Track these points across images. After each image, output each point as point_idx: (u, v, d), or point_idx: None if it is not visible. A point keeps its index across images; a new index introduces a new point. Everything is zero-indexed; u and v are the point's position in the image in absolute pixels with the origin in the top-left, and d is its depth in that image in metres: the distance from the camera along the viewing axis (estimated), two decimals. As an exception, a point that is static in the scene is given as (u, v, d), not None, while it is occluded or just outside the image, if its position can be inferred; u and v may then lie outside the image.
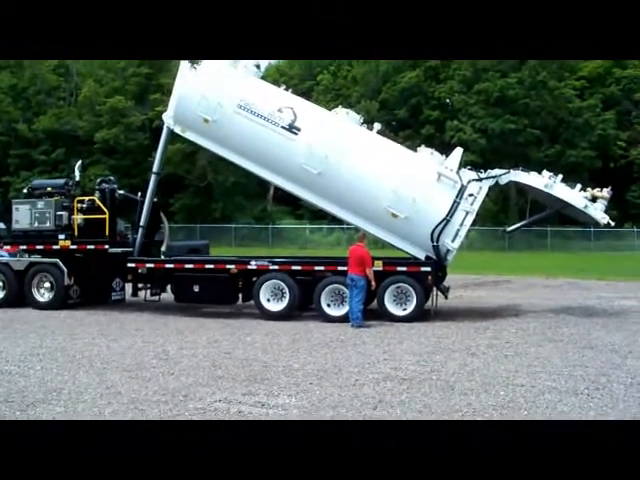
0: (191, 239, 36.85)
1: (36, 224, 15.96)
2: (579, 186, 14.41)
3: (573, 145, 47.71)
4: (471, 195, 13.90)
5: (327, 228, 44.81)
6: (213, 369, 9.39)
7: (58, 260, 15.66)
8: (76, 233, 15.74)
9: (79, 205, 15.80)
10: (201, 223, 45.26)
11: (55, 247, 15.84)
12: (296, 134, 14.28)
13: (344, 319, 13.59)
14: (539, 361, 9.97)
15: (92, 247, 15.70)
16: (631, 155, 48.95)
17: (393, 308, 13.94)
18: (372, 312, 14.10)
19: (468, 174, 14.20)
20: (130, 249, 15.72)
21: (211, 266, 15.03)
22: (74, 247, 15.79)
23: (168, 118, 15.28)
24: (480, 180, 14.15)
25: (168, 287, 15.94)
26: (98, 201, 15.77)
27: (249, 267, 14.74)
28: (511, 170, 14.64)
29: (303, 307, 14.78)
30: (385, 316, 13.89)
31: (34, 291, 15.91)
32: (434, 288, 14.37)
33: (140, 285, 16.18)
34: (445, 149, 15.53)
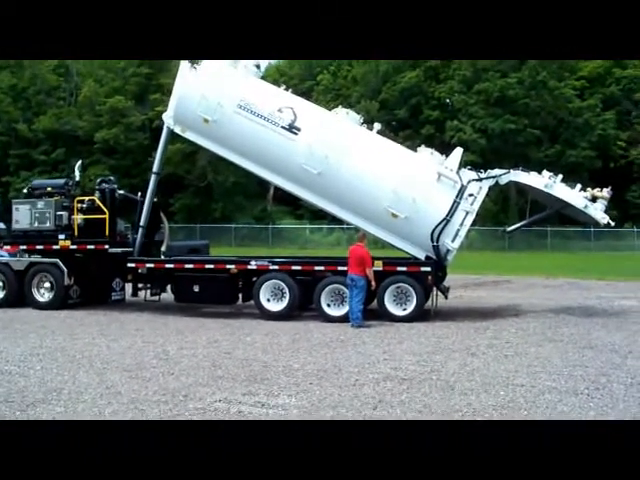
0: (191, 239, 36.86)
1: (36, 224, 15.96)
2: (579, 186, 14.42)
3: (573, 145, 47.72)
4: (471, 195, 13.90)
5: (327, 228, 44.81)
6: (213, 369, 9.39)
7: (58, 260, 15.66)
8: (76, 233, 15.74)
9: (79, 205, 15.80)
10: (201, 223, 45.27)
11: (55, 247, 15.84)
12: (296, 134, 14.28)
13: (344, 319, 13.59)
14: (539, 361, 9.97)
15: (92, 247, 15.70)
16: (631, 155, 48.95)
17: (393, 308, 13.94)
18: (372, 312, 14.10)
19: (468, 174, 14.20)
20: (130, 249, 15.72)
21: (211, 266, 15.03)
22: (74, 247, 15.79)
23: (168, 118, 15.29)
24: (480, 180, 14.15)
25: (168, 287, 15.95)
26: (98, 201, 15.77)
27: (249, 267, 14.74)
28: (511, 170, 14.64)
29: (303, 307, 14.78)
30: (385, 316, 13.89)
31: (34, 291, 15.92)
32: (434, 288, 14.37)
33: (140, 285, 16.19)
34: (445, 149, 15.53)
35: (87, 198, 15.98)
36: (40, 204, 16.00)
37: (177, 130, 15.29)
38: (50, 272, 15.78)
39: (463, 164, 14.62)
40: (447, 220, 13.77)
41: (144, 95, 52.79)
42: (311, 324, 13.64)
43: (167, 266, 15.37)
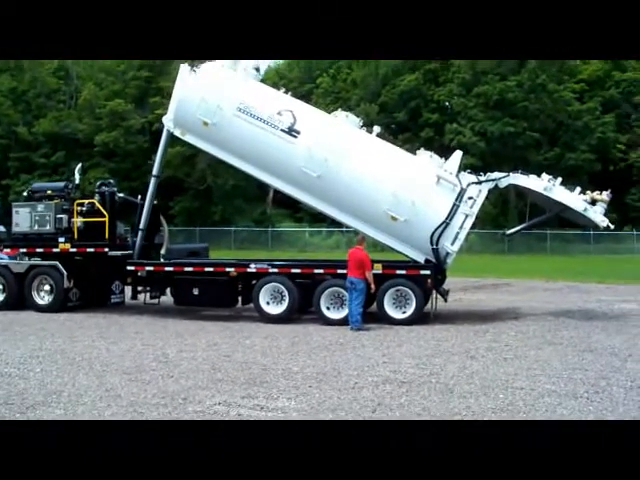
0: (191, 242, 36.85)
1: (36, 227, 15.98)
2: (578, 189, 14.43)
3: (572, 148, 47.71)
4: (470, 198, 13.92)
5: (326, 231, 44.78)
6: (212, 372, 9.39)
7: (58, 263, 15.68)
8: (76, 236, 15.76)
9: (79, 208, 15.82)
10: (201, 226, 45.26)
11: (55, 250, 15.86)
12: (296, 137, 14.30)
13: (343, 322, 13.60)
14: (539, 364, 9.97)
15: (92, 250, 15.72)
16: (630, 158, 48.94)
17: (392, 311, 13.94)
18: (371, 315, 14.10)
19: (467, 177, 14.22)
20: (130, 252, 15.73)
21: (211, 269, 15.04)
22: (74, 250, 15.80)
23: (168, 121, 15.30)
24: (479, 183, 14.17)
25: (168, 290, 15.96)
26: (98, 204, 15.79)
27: (248, 270, 14.75)
28: (510, 173, 14.65)
29: (302, 310, 14.79)
30: (384, 319, 13.89)
31: (34, 294, 15.93)
32: (433, 291, 14.37)
33: (140, 288, 16.19)
34: (444, 152, 15.55)
35: (87, 201, 16.00)
36: (40, 207, 16.02)
37: (177, 133, 15.31)
38: (50, 275, 15.79)
39: (462, 167, 14.64)
40: (446, 223, 13.79)
41: (144, 98, 52.82)
42: (310, 327, 13.64)
43: (167, 269, 15.37)
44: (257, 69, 15.72)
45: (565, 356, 10.61)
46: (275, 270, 14.57)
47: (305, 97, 35.82)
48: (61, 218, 15.80)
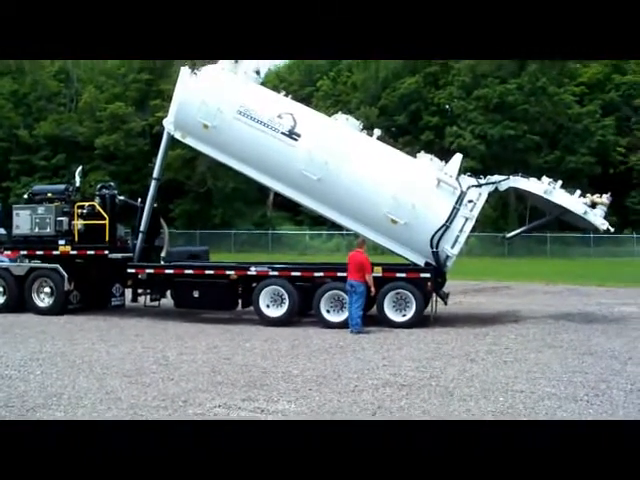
0: (191, 245, 36.82)
1: (36, 229, 15.98)
2: (578, 192, 14.44)
3: (572, 151, 47.74)
4: (470, 201, 13.93)
5: (327, 234, 44.81)
6: (212, 375, 9.40)
7: (58, 265, 15.67)
8: (76, 239, 15.76)
9: (79, 211, 15.83)
10: (201, 229, 45.27)
11: (55, 252, 15.86)
12: (296, 140, 14.31)
13: (343, 325, 13.60)
14: (538, 367, 9.98)
15: (92, 252, 15.72)
16: (630, 161, 48.97)
17: (392, 314, 13.94)
18: (371, 318, 14.11)
19: (467, 180, 14.23)
20: (130, 255, 15.75)
21: (211, 272, 15.05)
22: (74, 252, 15.81)
23: (168, 124, 15.33)
24: (479, 186, 14.17)
25: (168, 293, 15.95)
26: (98, 207, 15.80)
27: (249, 273, 14.75)
28: (510, 176, 14.66)
29: (302, 313, 14.79)
30: (384, 322, 13.89)
31: (34, 296, 15.93)
32: (433, 294, 14.38)
33: (140, 291, 16.20)
34: (444, 155, 15.57)
35: (87, 204, 16.02)
36: (40, 210, 16.02)
37: (177, 136, 15.33)
38: (50, 277, 15.79)
39: (462, 170, 14.65)
40: (446, 226, 13.79)
41: (144, 101, 52.89)
42: (310, 330, 13.64)
43: (167, 272, 15.39)
44: (257, 72, 15.78)
45: (565, 359, 10.61)
46: (275, 273, 14.58)
47: (305, 100, 35.85)
48: (61, 221, 15.81)
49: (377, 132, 15.15)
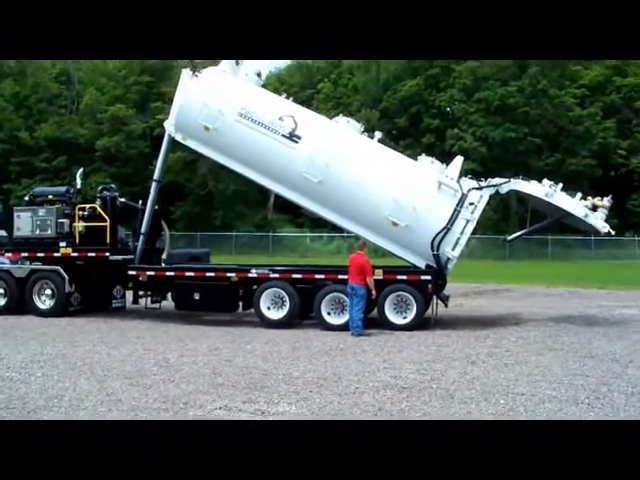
0: (192, 247, 36.83)
1: (37, 231, 16.00)
2: (579, 195, 14.44)
3: (573, 154, 47.72)
4: (471, 204, 13.93)
5: (327, 236, 44.78)
6: (213, 377, 9.40)
7: (59, 267, 15.69)
8: (77, 240, 15.78)
9: (80, 213, 15.84)
10: (202, 231, 45.26)
11: (56, 254, 15.87)
12: (297, 142, 14.32)
13: (344, 327, 13.59)
14: (539, 370, 9.97)
15: (93, 254, 15.73)
16: (632, 164, 48.94)
17: (393, 317, 13.94)
18: (372, 320, 14.10)
19: (468, 183, 14.24)
20: (131, 257, 15.75)
21: (212, 274, 15.05)
22: (75, 254, 15.82)
23: (169, 126, 15.34)
24: (480, 189, 14.18)
25: (169, 295, 15.95)
26: (99, 209, 15.82)
27: (249, 275, 14.75)
28: (511, 179, 14.67)
29: (303, 315, 14.78)
30: (385, 324, 13.89)
31: (35, 298, 15.93)
32: (434, 296, 14.37)
33: (141, 293, 16.18)
34: (446, 158, 15.57)
35: (88, 206, 16.02)
36: (41, 212, 16.04)
37: (178, 138, 15.34)
38: (51, 279, 15.80)
39: (463, 173, 14.66)
40: (447, 229, 13.79)
41: (145, 103, 52.93)
42: (311, 332, 13.64)
43: (168, 274, 15.39)
44: (258, 74, 15.78)
45: (566, 362, 10.60)
46: (276, 275, 14.58)
47: (306, 102, 35.92)
48: (62, 223, 15.83)
49: (378, 135, 15.16)
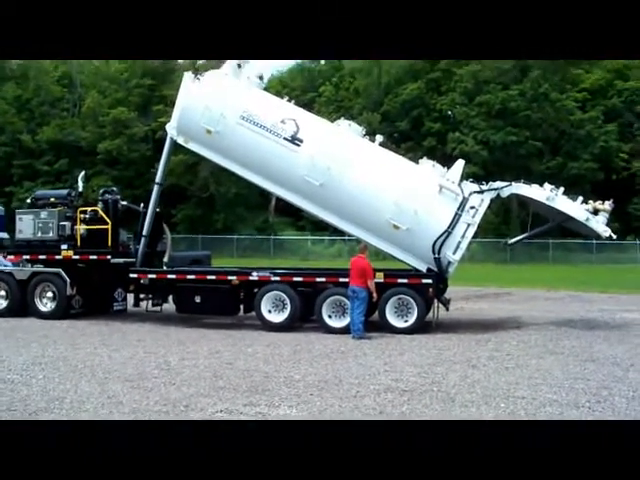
0: (193, 250, 36.85)
1: (39, 234, 16.04)
2: (581, 198, 14.44)
3: (575, 157, 47.69)
4: (473, 207, 13.94)
5: (328, 239, 44.75)
6: (214, 380, 9.40)
7: (61, 270, 15.71)
8: (79, 243, 15.81)
9: (82, 215, 15.87)
10: (203, 234, 45.28)
11: (58, 257, 15.90)
12: (298, 145, 14.34)
13: (345, 330, 13.60)
14: (540, 373, 9.97)
15: (94, 257, 15.76)
16: (633, 167, 48.87)
17: (394, 320, 13.95)
18: (373, 324, 14.11)
19: (470, 186, 14.25)
20: (132, 259, 15.78)
21: (213, 277, 15.06)
22: (77, 257, 15.85)
23: (171, 129, 15.36)
24: (482, 192, 14.19)
25: (170, 298, 15.97)
26: (101, 212, 15.85)
27: (250, 278, 14.77)
28: (513, 182, 14.66)
29: (304, 318, 14.80)
30: (386, 328, 13.89)
31: (37, 301, 15.96)
32: (435, 300, 14.38)
33: (142, 295, 16.21)
34: (447, 161, 15.58)
35: (90, 208, 16.06)
36: (43, 214, 16.08)
37: (180, 141, 15.36)
38: (53, 282, 15.82)
39: (465, 176, 14.68)
40: (449, 232, 13.80)
41: (147, 106, 52.99)
42: (312, 335, 13.65)
43: (169, 277, 15.40)
44: (260, 77, 15.81)
45: (567, 365, 10.61)
46: (277, 278, 14.59)
47: (308, 106, 35.93)
48: (64, 225, 15.85)
49: (379, 138, 15.18)
